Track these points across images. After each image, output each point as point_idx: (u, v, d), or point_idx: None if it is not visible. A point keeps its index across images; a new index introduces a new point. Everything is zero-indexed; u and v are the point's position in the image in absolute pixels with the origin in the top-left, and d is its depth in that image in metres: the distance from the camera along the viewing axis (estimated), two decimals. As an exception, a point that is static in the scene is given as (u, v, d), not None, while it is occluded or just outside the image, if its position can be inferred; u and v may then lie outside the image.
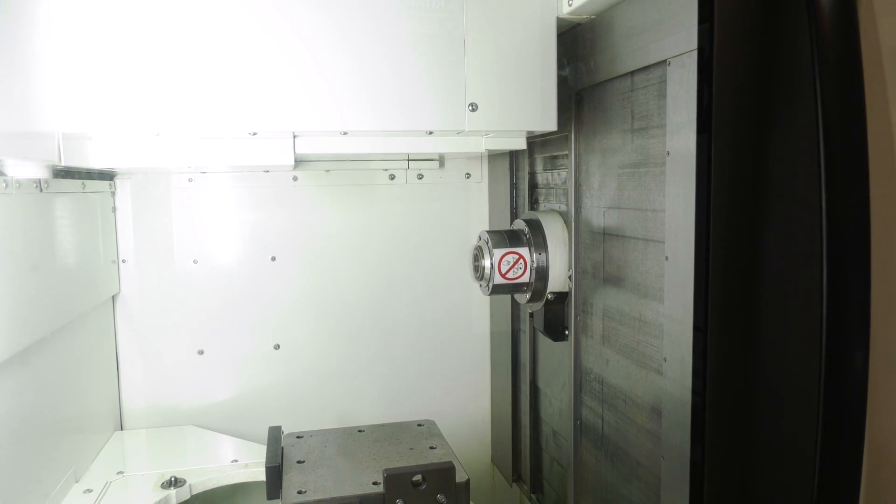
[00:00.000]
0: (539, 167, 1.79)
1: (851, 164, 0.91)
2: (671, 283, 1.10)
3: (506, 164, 1.93)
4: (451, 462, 1.26)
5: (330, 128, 1.32)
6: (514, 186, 1.92)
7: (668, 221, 1.11)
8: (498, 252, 1.56)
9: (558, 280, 1.55)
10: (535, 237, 1.57)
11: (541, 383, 1.84)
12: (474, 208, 2.10)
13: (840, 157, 0.91)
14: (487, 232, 1.62)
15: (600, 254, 1.41)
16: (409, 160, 2.02)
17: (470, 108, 1.35)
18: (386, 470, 1.21)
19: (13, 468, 1.25)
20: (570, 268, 1.53)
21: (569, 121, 1.48)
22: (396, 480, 1.20)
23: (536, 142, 1.75)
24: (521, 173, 1.86)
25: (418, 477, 1.21)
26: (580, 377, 1.52)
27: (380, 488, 1.22)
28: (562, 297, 1.56)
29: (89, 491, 1.48)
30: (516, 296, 1.69)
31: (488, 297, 2.12)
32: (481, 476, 2.17)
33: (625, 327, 1.31)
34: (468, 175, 2.09)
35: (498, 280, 1.56)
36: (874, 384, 0.90)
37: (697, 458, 1.03)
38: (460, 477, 1.26)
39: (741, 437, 1.03)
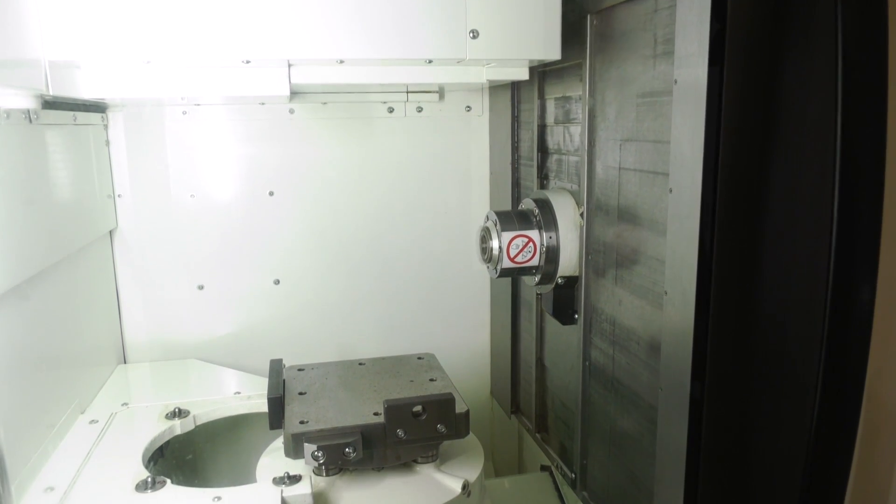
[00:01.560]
0: (550, 117, 1.67)
1: (870, 96, 0.88)
2: (674, 216, 1.08)
3: (507, 97, 1.88)
4: (450, 393, 1.28)
5: (326, 56, 1.27)
6: (515, 120, 1.88)
7: (673, 153, 1.08)
8: (507, 235, 1.49)
9: (569, 264, 1.49)
10: (545, 218, 1.50)
11: (547, 329, 1.83)
12: (475, 142, 2.06)
13: (858, 88, 0.88)
14: (495, 213, 1.54)
15: (615, 188, 1.34)
16: (407, 92, 1.96)
17: (471, 35, 1.30)
18: (387, 401, 1.22)
19: (19, 399, 1.27)
20: (581, 205, 1.46)
21: (583, 47, 1.39)
22: (397, 411, 1.22)
23: (549, 73, 1.66)
24: (525, 106, 1.82)
25: (418, 408, 1.23)
26: (590, 317, 1.49)
27: (380, 419, 1.23)
28: (572, 281, 1.50)
29: (95, 422, 1.50)
30: (525, 278, 1.62)
31: (488, 233, 2.11)
32: (480, 408, 2.22)
33: (633, 263, 1.29)
34: (468, 108, 2.04)
35: (506, 264, 1.50)
36: (879, 317, 0.90)
37: (697, 392, 1.03)
38: (460, 408, 1.27)
39: (742, 370, 1.04)
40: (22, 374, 1.29)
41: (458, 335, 2.15)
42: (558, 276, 1.50)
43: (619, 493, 1.39)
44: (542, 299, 1.66)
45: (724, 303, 1.01)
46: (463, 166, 2.06)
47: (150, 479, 1.24)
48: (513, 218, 1.53)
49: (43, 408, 1.37)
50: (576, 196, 1.51)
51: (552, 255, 1.50)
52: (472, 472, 1.32)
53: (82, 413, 1.55)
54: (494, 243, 1.51)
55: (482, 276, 2.14)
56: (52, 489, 1.22)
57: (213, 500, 1.19)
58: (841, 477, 0.96)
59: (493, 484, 1.84)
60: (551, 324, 1.74)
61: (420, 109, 2.00)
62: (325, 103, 1.93)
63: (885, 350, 0.93)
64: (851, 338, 0.92)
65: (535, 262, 1.51)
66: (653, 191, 1.21)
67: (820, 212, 0.91)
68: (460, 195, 2.07)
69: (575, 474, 1.58)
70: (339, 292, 2.04)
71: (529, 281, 1.60)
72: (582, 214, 1.46)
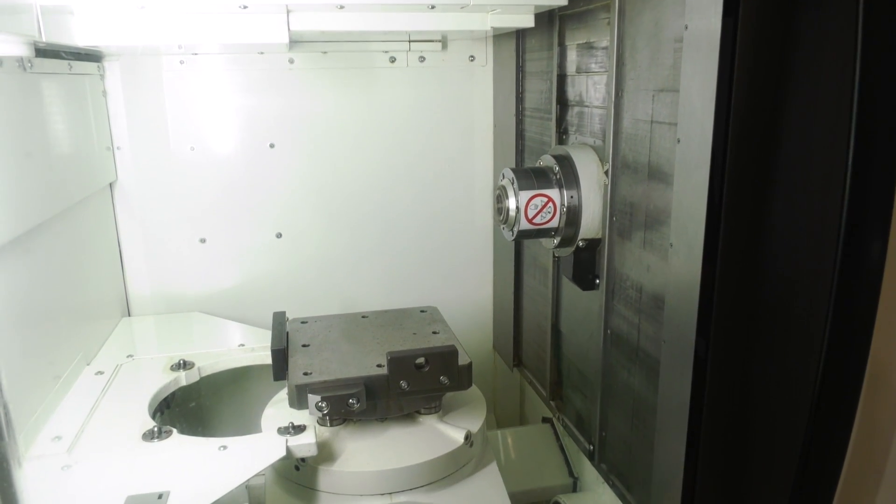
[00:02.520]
0: (571, 65, 1.54)
1: (890, 49, 0.84)
2: (682, 167, 1.06)
3: (512, 46, 1.84)
4: (453, 345, 1.28)
5: (325, 0, 1.23)
6: (520, 70, 1.84)
7: (682, 102, 1.05)
8: (525, 194, 1.39)
9: (591, 226, 1.39)
10: (566, 176, 1.39)
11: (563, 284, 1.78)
12: (478, 93, 2.02)
13: (878, 40, 0.85)
14: (512, 171, 1.43)
15: (645, 144, 1.22)
16: (409, 41, 1.92)
17: (475, -22, 1.26)
18: (390, 352, 1.22)
19: (25, 350, 1.27)
20: (606, 162, 1.34)
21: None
22: (400, 363, 1.22)
23: (569, 18, 1.54)
24: (531, 56, 1.77)
25: (421, 360, 1.23)
26: (613, 283, 1.41)
27: (384, 370, 1.24)
28: (594, 244, 1.41)
29: (100, 373, 1.51)
30: (543, 241, 1.52)
31: (492, 186, 2.09)
32: (483, 361, 2.23)
33: (663, 225, 1.20)
34: (472, 58, 1.99)
35: (524, 226, 1.40)
36: (889, 275, 0.89)
37: (701, 347, 1.03)
38: (463, 360, 1.28)
39: (748, 326, 1.03)
40: (27, 326, 1.29)
41: (461, 289, 2.15)
42: (579, 238, 1.41)
43: (642, 467, 1.33)
44: (560, 263, 1.57)
45: (731, 257, 1.00)
46: (466, 118, 2.03)
47: (156, 429, 1.26)
48: (531, 176, 1.42)
49: (49, 359, 1.38)
50: (599, 152, 1.40)
51: (573, 216, 1.39)
52: (475, 423, 1.33)
53: (88, 364, 1.56)
54: (511, 203, 1.41)
55: (485, 229, 2.13)
56: (59, 438, 1.23)
57: (219, 448, 1.20)
58: (842, 436, 0.96)
59: (495, 435, 1.87)
60: (569, 288, 1.65)
61: (422, 59, 1.95)
62: (325, 52, 1.89)
63: (893, 308, 0.92)
64: (860, 295, 0.91)
65: (554, 223, 1.41)
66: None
67: (833, 167, 0.89)
68: (463, 147, 2.04)
69: (593, 446, 1.53)
70: (341, 245, 2.03)
71: (548, 244, 1.51)
72: (606, 172, 1.35)
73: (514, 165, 1.89)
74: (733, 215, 0.98)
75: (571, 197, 1.39)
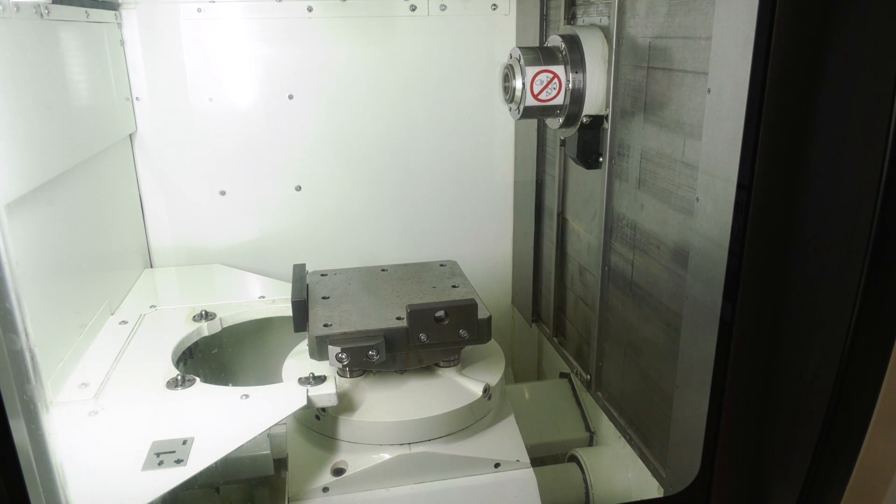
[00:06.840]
0: None
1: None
2: (711, 118, 1.03)
3: (536, -7, 1.78)
4: (473, 299, 1.27)
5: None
6: (544, 19, 1.78)
7: (715, 49, 1.01)
8: (531, 70, 1.40)
9: (595, 102, 1.41)
10: (573, 55, 1.40)
11: (569, 215, 1.78)
12: (500, 44, 1.97)
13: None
14: (520, 48, 1.44)
15: (642, 90, 1.28)
16: (431, -12, 1.86)
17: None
18: (409, 305, 1.22)
19: (50, 298, 1.29)
20: (607, 106, 1.41)
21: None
22: (420, 315, 1.22)
23: None
24: (555, 3, 1.71)
25: (441, 313, 1.23)
26: (611, 221, 1.46)
27: (403, 323, 1.24)
28: (598, 120, 1.43)
29: (125, 322, 1.53)
30: (548, 120, 1.55)
31: (513, 141, 2.05)
32: (501, 317, 2.23)
33: (661, 168, 1.24)
34: (494, 6, 1.93)
35: (530, 101, 1.42)
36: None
37: (727, 311, 1.00)
38: (482, 314, 1.27)
39: (776, 290, 1.00)
40: (52, 275, 1.31)
41: (480, 245, 2.14)
42: (583, 115, 1.42)
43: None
44: (565, 145, 1.60)
45: (763, 216, 0.96)
46: (488, 69, 1.97)
47: (179, 377, 1.28)
48: (538, 54, 1.44)
49: (74, 308, 1.40)
50: (605, 31, 1.41)
51: (578, 93, 1.41)
52: (494, 377, 1.34)
53: (112, 314, 1.58)
54: (517, 82, 1.43)
55: (505, 184, 2.10)
56: (86, 385, 1.26)
57: (241, 397, 1.22)
58: (866, 411, 0.93)
59: (512, 390, 1.88)
60: (573, 205, 1.68)
61: (444, 7, 1.90)
62: (344, 0, 1.84)
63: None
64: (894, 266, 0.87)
65: (559, 100, 1.43)
66: (681, 90, 1.13)
67: (877, 118, 0.85)
68: (484, 100, 2.00)
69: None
70: (360, 198, 2.02)
71: (553, 123, 1.53)
72: (607, 118, 1.38)
73: (536, 123, 1.86)
74: (767, 172, 0.95)
75: (577, 73, 1.40)
